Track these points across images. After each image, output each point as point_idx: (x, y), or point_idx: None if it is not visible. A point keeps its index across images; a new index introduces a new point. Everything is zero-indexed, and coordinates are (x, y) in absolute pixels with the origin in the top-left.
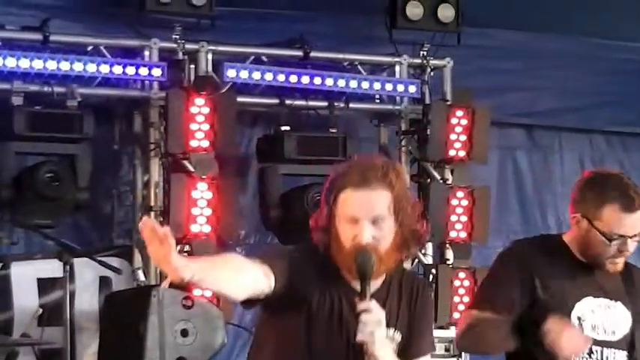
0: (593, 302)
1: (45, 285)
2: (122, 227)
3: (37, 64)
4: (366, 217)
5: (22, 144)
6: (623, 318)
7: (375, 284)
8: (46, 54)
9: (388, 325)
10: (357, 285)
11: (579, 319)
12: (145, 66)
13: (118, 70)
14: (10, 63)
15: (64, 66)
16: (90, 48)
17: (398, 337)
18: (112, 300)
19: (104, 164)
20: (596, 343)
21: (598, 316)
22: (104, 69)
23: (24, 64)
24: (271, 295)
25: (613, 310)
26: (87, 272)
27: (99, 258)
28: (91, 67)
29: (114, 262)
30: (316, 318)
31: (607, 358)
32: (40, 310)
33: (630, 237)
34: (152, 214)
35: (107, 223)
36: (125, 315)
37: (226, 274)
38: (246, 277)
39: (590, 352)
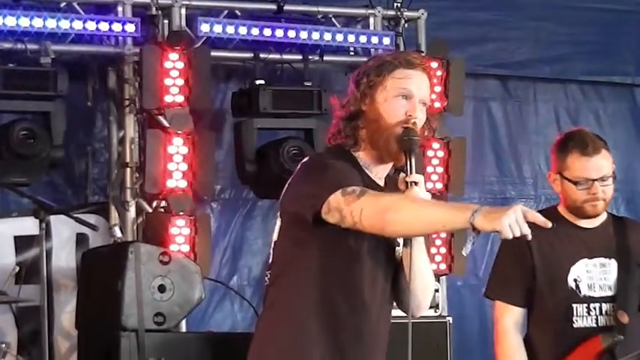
0: (588, 263)
1: (22, 243)
2: (98, 184)
3: (10, 22)
4: (417, 95)
5: None
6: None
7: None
8: (18, 11)
9: None
10: (377, 179)
11: (575, 280)
12: (118, 22)
13: (91, 26)
14: None
15: (37, 23)
16: (63, 4)
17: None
18: (89, 257)
19: (79, 121)
20: (594, 300)
21: (594, 274)
22: (77, 25)
23: None
24: None
25: (608, 268)
26: (63, 229)
27: (75, 215)
28: (64, 24)
29: (90, 218)
30: None
31: (606, 312)
32: (17, 268)
33: (596, 180)
34: (128, 170)
35: (82, 180)
36: (102, 272)
37: None
38: None
39: (589, 310)
